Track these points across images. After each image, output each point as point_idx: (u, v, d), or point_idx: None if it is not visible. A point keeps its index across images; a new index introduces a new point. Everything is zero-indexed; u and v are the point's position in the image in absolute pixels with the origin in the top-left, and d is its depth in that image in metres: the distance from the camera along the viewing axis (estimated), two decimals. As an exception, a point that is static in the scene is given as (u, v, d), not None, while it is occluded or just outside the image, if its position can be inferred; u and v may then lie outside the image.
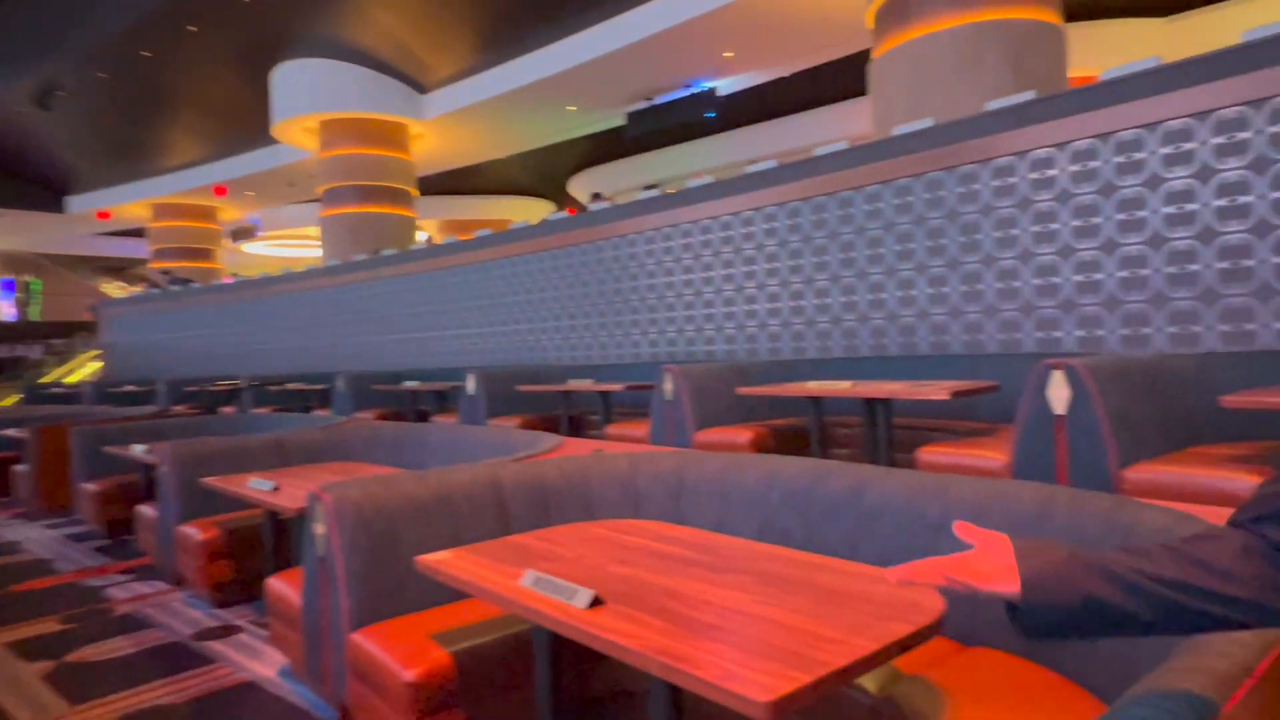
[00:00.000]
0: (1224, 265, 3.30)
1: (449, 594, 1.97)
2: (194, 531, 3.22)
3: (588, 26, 10.05)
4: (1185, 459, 2.58)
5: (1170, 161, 3.43)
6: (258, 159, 15.30)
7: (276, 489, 2.66)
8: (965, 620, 1.66)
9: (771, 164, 5.17)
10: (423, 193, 14.26)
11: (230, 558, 3.18)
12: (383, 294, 8.69)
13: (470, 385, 5.57)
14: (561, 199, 19.81)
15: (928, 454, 3.05)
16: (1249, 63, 3.18)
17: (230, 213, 18.55)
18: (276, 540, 2.87)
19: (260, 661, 2.58)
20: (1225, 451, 2.68)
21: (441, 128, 12.96)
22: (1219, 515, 1.34)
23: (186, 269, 16.89)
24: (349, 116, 12.43)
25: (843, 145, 4.79)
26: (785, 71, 11.08)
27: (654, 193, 6.23)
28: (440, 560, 1.63)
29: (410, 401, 6.67)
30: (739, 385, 4.09)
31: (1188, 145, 3.37)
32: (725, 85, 11.23)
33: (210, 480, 2.96)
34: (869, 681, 1.49)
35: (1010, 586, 0.86)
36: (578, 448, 2.83)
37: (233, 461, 3.51)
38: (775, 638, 1.12)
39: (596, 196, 10.84)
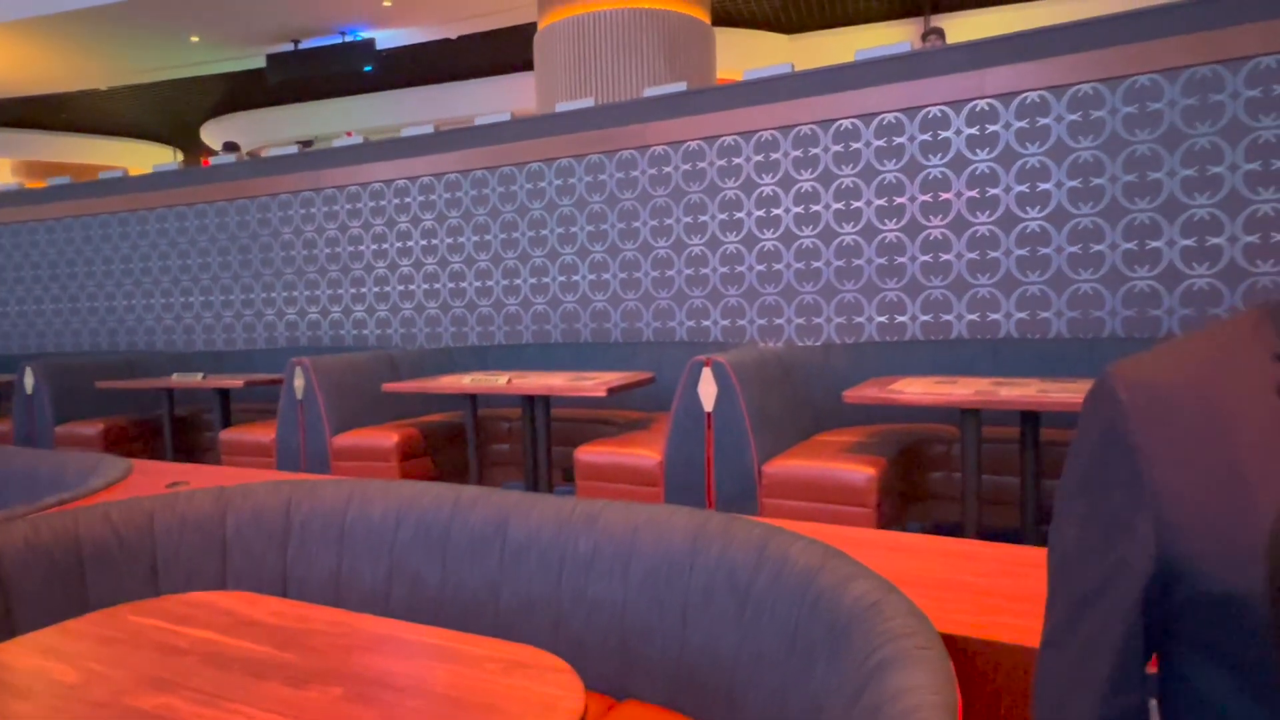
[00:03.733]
0: (840, 264, 3.64)
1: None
2: None
3: (211, -58, 8.41)
4: (811, 450, 2.75)
5: (799, 165, 3.69)
6: None
7: None
8: (616, 673, 1.47)
9: (428, 129, 4.68)
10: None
11: None
12: (-99, 254, 6.41)
13: (27, 381, 4.26)
14: (195, 148, 16.84)
15: (585, 454, 2.91)
16: (861, 79, 3.52)
17: None
18: None
19: None
20: (841, 439, 2.92)
21: (5, 40, 10.04)
22: (851, 537, 1.34)
23: None
24: None
25: (504, 117, 4.48)
26: (451, 33, 10.47)
27: (294, 149, 5.34)
28: None
29: (-60, 402, 4.97)
30: (386, 379, 3.61)
31: (814, 150, 3.65)
32: (385, 38, 10.28)
33: None
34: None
35: None
36: (150, 479, 2.15)
37: None
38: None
39: (230, 147, 9.23)
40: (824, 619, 1.11)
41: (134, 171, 5.76)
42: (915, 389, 2.53)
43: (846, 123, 3.58)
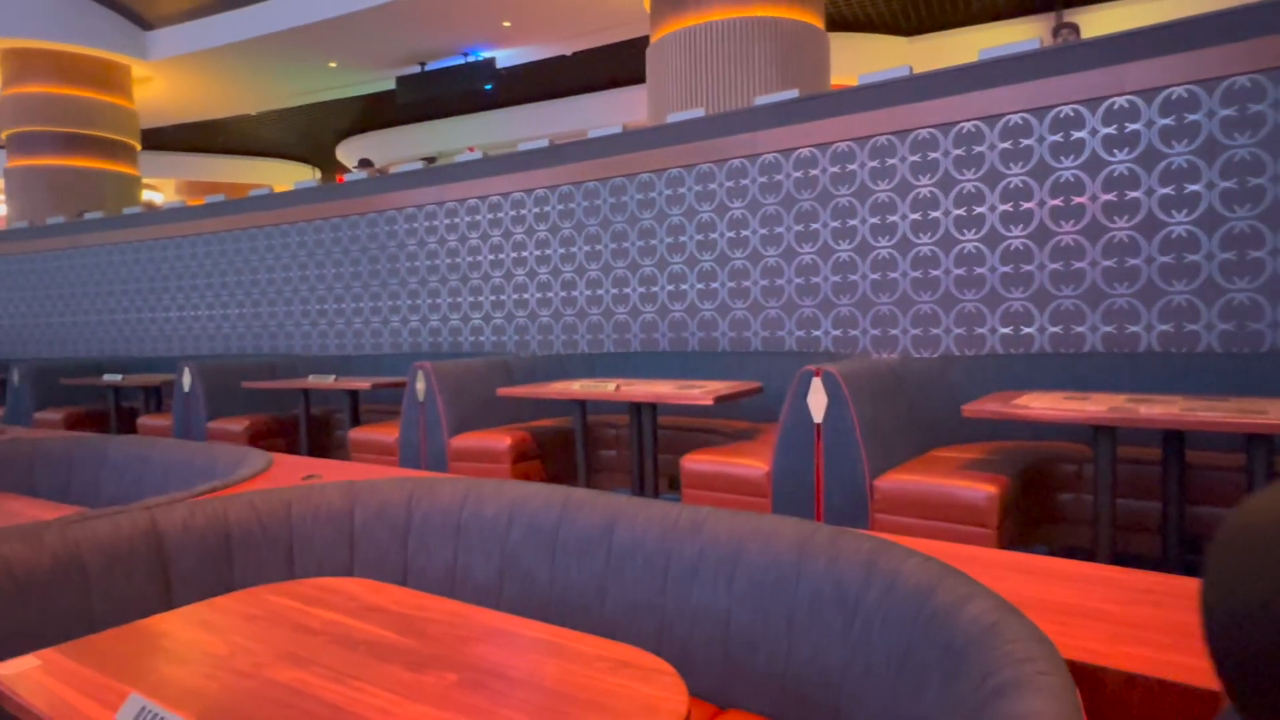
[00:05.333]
0: (960, 272, 3.49)
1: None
2: None
3: (350, -26, 9.04)
4: (927, 466, 2.64)
5: (916, 170, 3.57)
6: (-82, 89, 12.24)
7: None
8: (720, 682, 1.46)
9: (543, 143, 4.84)
10: (156, 147, 12.21)
11: None
12: (85, 266, 7.22)
13: (185, 380, 4.69)
14: (331, 166, 18.09)
15: (691, 463, 2.91)
16: (985, 79, 3.37)
17: (-119, 154, 14.77)
18: None
19: None
20: (959, 455, 2.79)
21: (173, 72, 11.14)
22: (968, 556, 1.27)
23: None
24: (41, 46, 10.25)
25: (616, 130, 4.57)
26: (566, 50, 10.79)
27: (419, 165, 5.65)
28: (14, 676, 1.13)
29: (114, 399, 5.55)
30: (501, 384, 3.74)
31: (933, 155, 3.53)
32: (505, 57, 10.71)
33: None
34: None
35: None
36: (288, 471, 2.33)
37: None
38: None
39: (364, 163, 9.86)
40: (938, 639, 1.07)
41: (278, 188, 6.25)
42: (1042, 404, 2.39)
43: (968, 125, 3.43)
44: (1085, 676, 0.96)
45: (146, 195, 14.29)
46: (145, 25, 10.64)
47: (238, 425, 4.59)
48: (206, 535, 1.79)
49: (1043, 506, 2.83)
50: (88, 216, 7.59)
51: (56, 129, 10.41)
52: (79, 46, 10.33)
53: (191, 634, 1.28)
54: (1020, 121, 3.32)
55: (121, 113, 11.05)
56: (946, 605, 1.08)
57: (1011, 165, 3.35)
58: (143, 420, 5.22)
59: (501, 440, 3.54)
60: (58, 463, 2.99)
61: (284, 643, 1.23)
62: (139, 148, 11.49)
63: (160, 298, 6.72)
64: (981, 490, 2.37)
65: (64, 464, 2.98)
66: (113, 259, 7.02)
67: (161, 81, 11.47)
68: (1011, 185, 3.36)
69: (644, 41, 7.60)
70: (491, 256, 5.04)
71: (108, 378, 5.34)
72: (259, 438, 4.63)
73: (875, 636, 1.22)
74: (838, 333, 3.83)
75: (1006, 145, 3.36)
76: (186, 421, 4.71)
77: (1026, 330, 3.35)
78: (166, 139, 15.08)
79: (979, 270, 3.45)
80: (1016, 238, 3.36)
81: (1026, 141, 3.31)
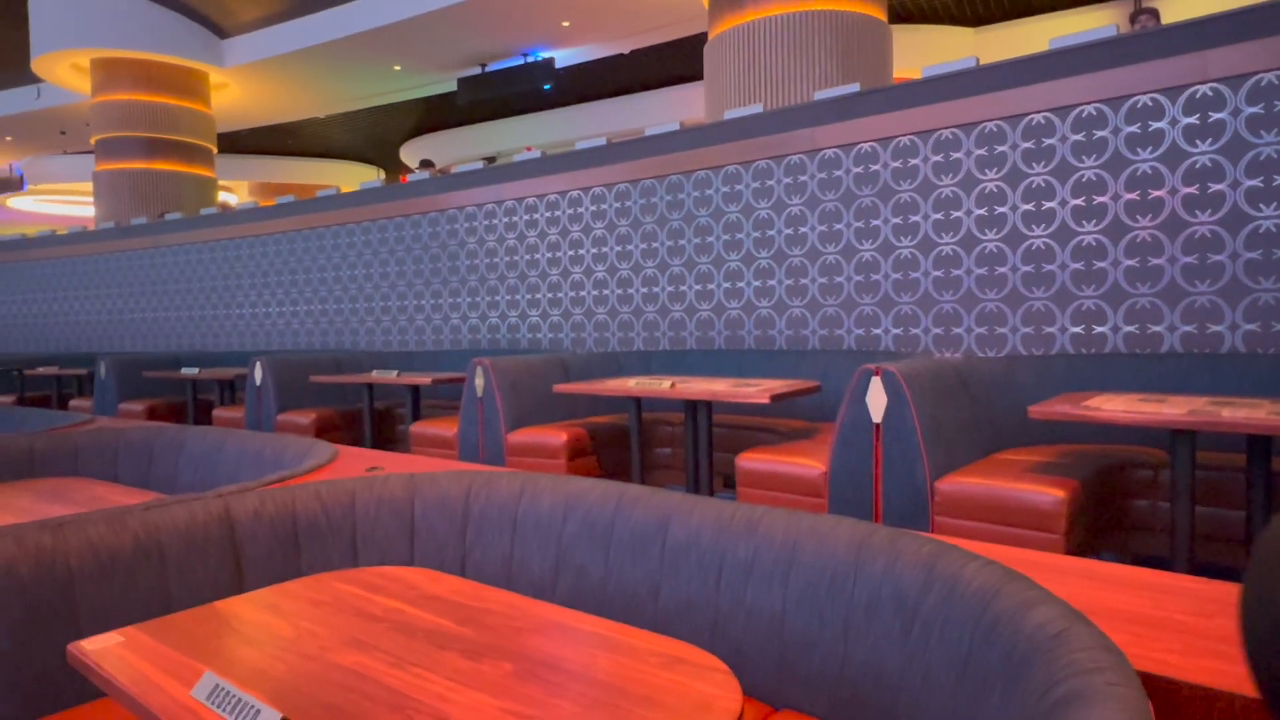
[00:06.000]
0: (1028, 269, 3.38)
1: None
2: None
3: (414, -21, 9.25)
4: (991, 468, 2.56)
5: (982, 164, 3.47)
6: (19, 98, 13.02)
7: (-63, 526, 2.03)
8: (774, 681, 1.45)
9: (600, 141, 4.87)
10: (230, 151, 12.73)
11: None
12: (165, 264, 7.57)
13: (257, 374, 4.88)
14: (395, 167, 18.55)
15: (746, 461, 2.89)
16: (1055, 70, 3.25)
17: (-15, 160, 15.79)
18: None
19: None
20: (1026, 458, 2.70)
21: (246, 78, 11.59)
22: (1033, 561, 1.24)
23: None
24: (128, 56, 10.78)
25: (673, 127, 4.57)
26: (624, 48, 10.82)
27: (479, 165, 5.75)
28: (99, 651, 1.19)
29: (191, 391, 5.81)
30: (557, 380, 3.78)
31: (1000, 148, 3.42)
32: (563, 57, 10.80)
33: None
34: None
35: None
36: (352, 463, 2.40)
37: (-94, 479, 2.76)
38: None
39: (426, 164, 10.08)
40: (1000, 645, 1.04)
41: (344, 189, 6.44)
42: (1115, 406, 2.29)
43: (1038, 117, 3.31)
44: (1158, 689, 0.92)
45: (222, 197, 14.90)
46: (222, 34, 11.09)
47: (305, 418, 4.75)
48: (275, 523, 1.86)
49: (1114, 513, 2.72)
50: (168, 217, 7.96)
51: (141, 134, 10.94)
52: (162, 55, 10.83)
53: (260, 617, 1.33)
54: (1094, 112, 3.19)
55: (200, 118, 11.55)
56: (1009, 611, 1.05)
57: (1084, 158, 3.23)
58: (217, 412, 5.45)
59: (558, 436, 3.57)
60: (139, 451, 3.15)
61: (347, 628, 1.27)
62: (215, 151, 11.99)
63: (234, 295, 7.00)
64: (1049, 494, 2.29)
65: (145, 452, 3.13)
66: (190, 258, 7.35)
67: (236, 87, 11.94)
68: (1084, 179, 3.23)
69: (702, 38, 7.57)
70: (549, 254, 5.09)
71: (185, 371, 5.60)
72: (325, 430, 4.78)
73: (934, 641, 1.20)
74: (898, 331, 3.75)
75: (1078, 137, 3.23)
76: (258, 414, 4.90)
77: (1099, 330, 3.22)
78: (240, 142, 15.69)
79: (1048, 268, 3.33)
80: (1089, 233, 3.23)
81: (1100, 133, 3.19)
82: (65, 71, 11.29)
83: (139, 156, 10.98)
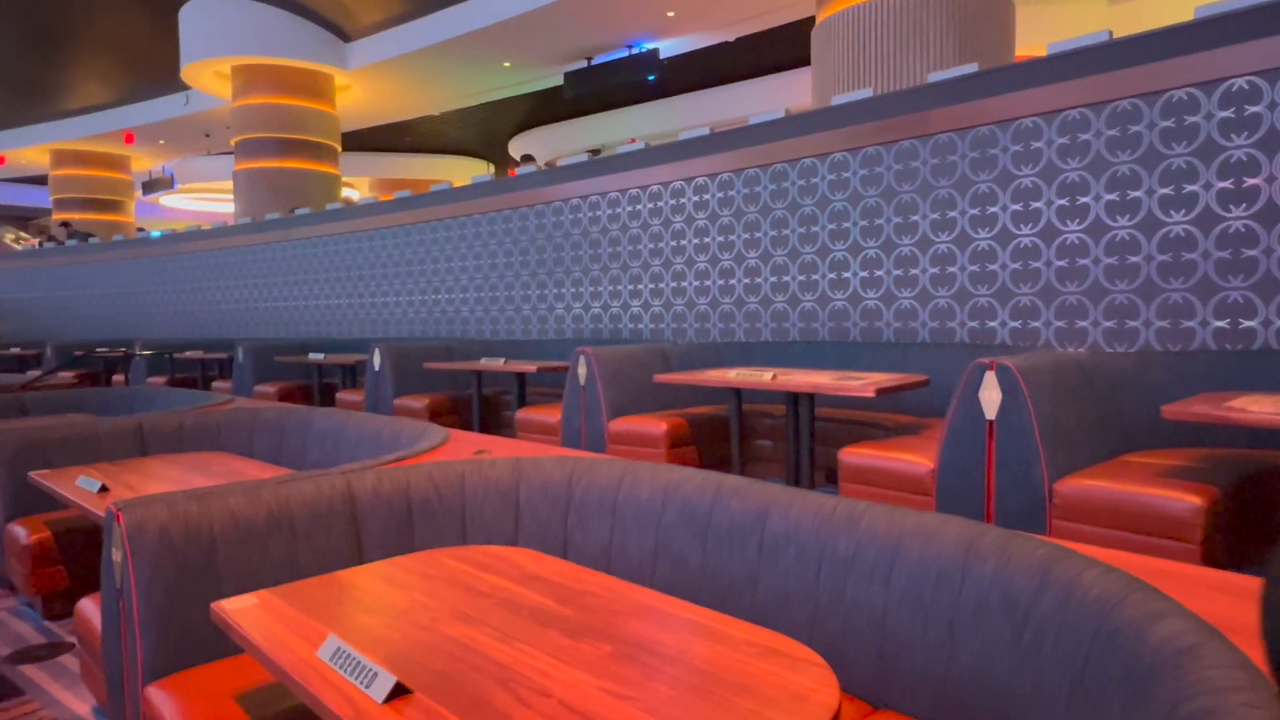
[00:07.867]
0: (1165, 258, 3.13)
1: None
2: (22, 532, 2.79)
3: (523, -23, 9.48)
4: (1118, 471, 2.40)
5: (1114, 145, 3.24)
6: (170, 105, 14.23)
7: (103, 490, 2.27)
8: (873, 680, 1.42)
9: (704, 131, 4.85)
10: (353, 148, 13.50)
11: (64, 563, 2.77)
12: (295, 256, 8.11)
13: (376, 360, 5.16)
14: (504, 161, 19.12)
15: (849, 456, 2.82)
16: (1202, 40, 2.98)
17: (143, 162, 17.35)
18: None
19: (77, 695, 2.21)
20: (1158, 461, 2.51)
21: (368, 79, 12.21)
22: (1162, 570, 1.16)
23: (93, 221, 15.74)
24: (264, 62, 11.58)
25: (778, 114, 4.49)
26: (729, 35, 10.71)
27: (584, 158, 5.84)
28: (238, 610, 1.30)
29: (318, 375, 6.20)
30: (658, 370, 3.81)
31: (1134, 128, 3.18)
32: (668, 47, 10.80)
33: (37, 475, 2.54)
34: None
35: None
36: (462, 446, 2.50)
37: (79, 449, 3.09)
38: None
39: (527, 158, 10.34)
40: (1121, 657, 0.98)
41: (456, 184, 6.70)
42: (1264, 407, 2.10)
43: (1180, 94, 3.06)
44: (1305, 716, 0.84)
45: (345, 193, 15.80)
46: (345, 38, 11.73)
47: (419, 402, 4.99)
48: (392, 499, 1.97)
49: (1259, 524, 2.49)
50: (298, 213, 8.51)
51: (275, 135, 11.74)
52: (293, 60, 11.57)
53: (378, 587, 1.41)
54: (1245, 86, 2.92)
55: (326, 118, 12.28)
56: (1133, 622, 0.99)
57: (1233, 136, 2.96)
58: (341, 395, 5.81)
59: (658, 425, 3.60)
60: (272, 429, 3.39)
61: (456, 602, 1.33)
62: (339, 149, 12.72)
63: (355, 285, 7.42)
64: (1185, 500, 2.12)
65: (277, 431, 3.38)
66: (318, 250, 7.84)
67: (358, 89, 12.61)
68: (1232, 159, 2.96)
69: (809, 23, 7.39)
70: (651, 245, 5.13)
71: (312, 356, 5.99)
72: (437, 414, 5.01)
73: (1048, 650, 1.14)
74: (1016, 324, 3.56)
75: (1227, 114, 2.96)
76: (376, 397, 5.18)
77: (1247, 324, 2.95)
78: (362, 140, 16.57)
79: (1188, 256, 3.07)
80: (1236, 218, 2.96)
81: (1253, 109, 2.91)
82: (209, 79, 12.24)
83: (273, 156, 11.79)
